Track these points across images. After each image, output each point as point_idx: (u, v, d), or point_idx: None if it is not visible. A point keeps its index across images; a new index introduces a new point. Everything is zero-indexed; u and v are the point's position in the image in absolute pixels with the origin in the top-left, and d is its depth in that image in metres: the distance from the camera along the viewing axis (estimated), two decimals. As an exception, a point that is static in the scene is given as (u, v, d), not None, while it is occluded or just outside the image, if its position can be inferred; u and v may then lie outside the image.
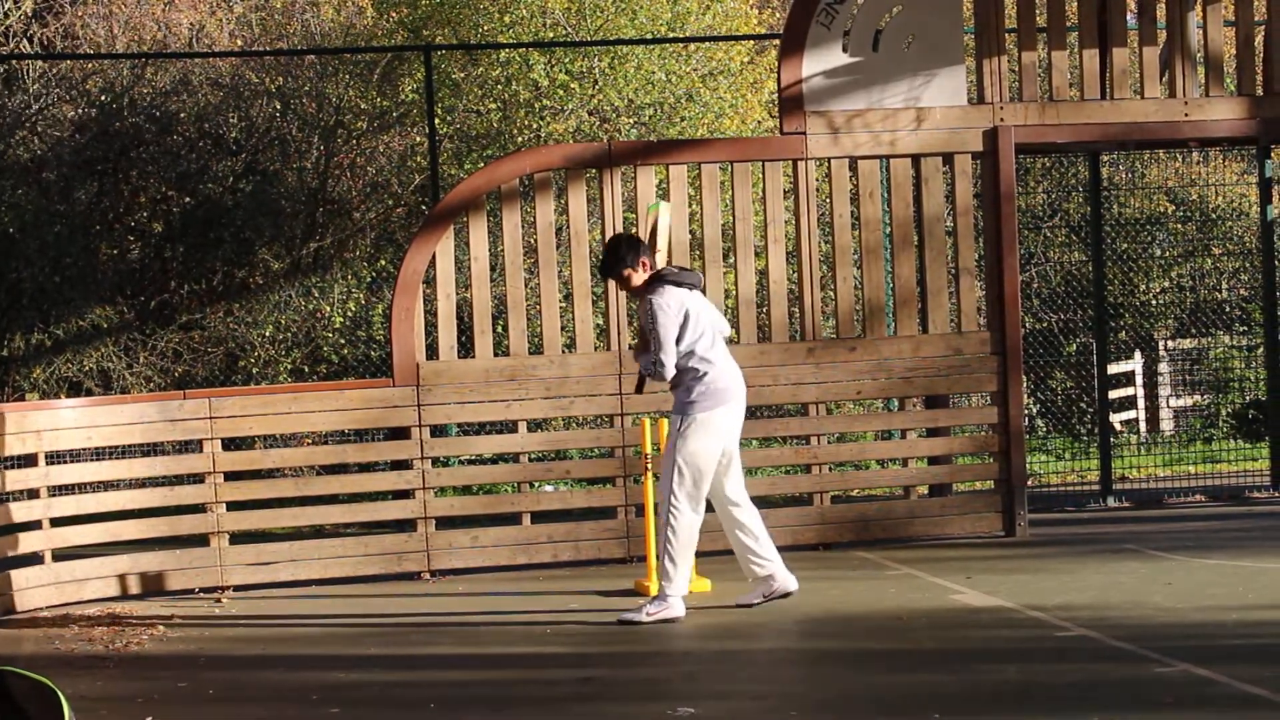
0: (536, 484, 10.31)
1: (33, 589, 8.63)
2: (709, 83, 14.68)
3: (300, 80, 14.96)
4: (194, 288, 14.01)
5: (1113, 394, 14.17)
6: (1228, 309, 15.28)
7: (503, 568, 9.40)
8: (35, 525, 8.69)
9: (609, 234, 9.50)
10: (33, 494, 8.71)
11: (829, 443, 10.04)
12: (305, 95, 14.91)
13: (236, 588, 9.10)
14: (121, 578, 8.94)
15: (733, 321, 12.12)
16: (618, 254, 7.78)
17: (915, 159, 9.94)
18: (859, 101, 9.79)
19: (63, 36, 16.48)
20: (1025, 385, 12.76)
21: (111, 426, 8.92)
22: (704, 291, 8.04)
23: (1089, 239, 12.39)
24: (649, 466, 8.40)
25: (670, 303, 7.62)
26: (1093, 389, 14.06)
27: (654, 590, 7.84)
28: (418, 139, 14.75)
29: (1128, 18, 10.55)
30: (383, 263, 14.29)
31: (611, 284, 9.32)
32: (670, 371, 7.62)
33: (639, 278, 7.76)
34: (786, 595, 7.81)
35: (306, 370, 13.79)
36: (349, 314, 13.83)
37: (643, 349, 7.77)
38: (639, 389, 8.17)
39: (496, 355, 9.57)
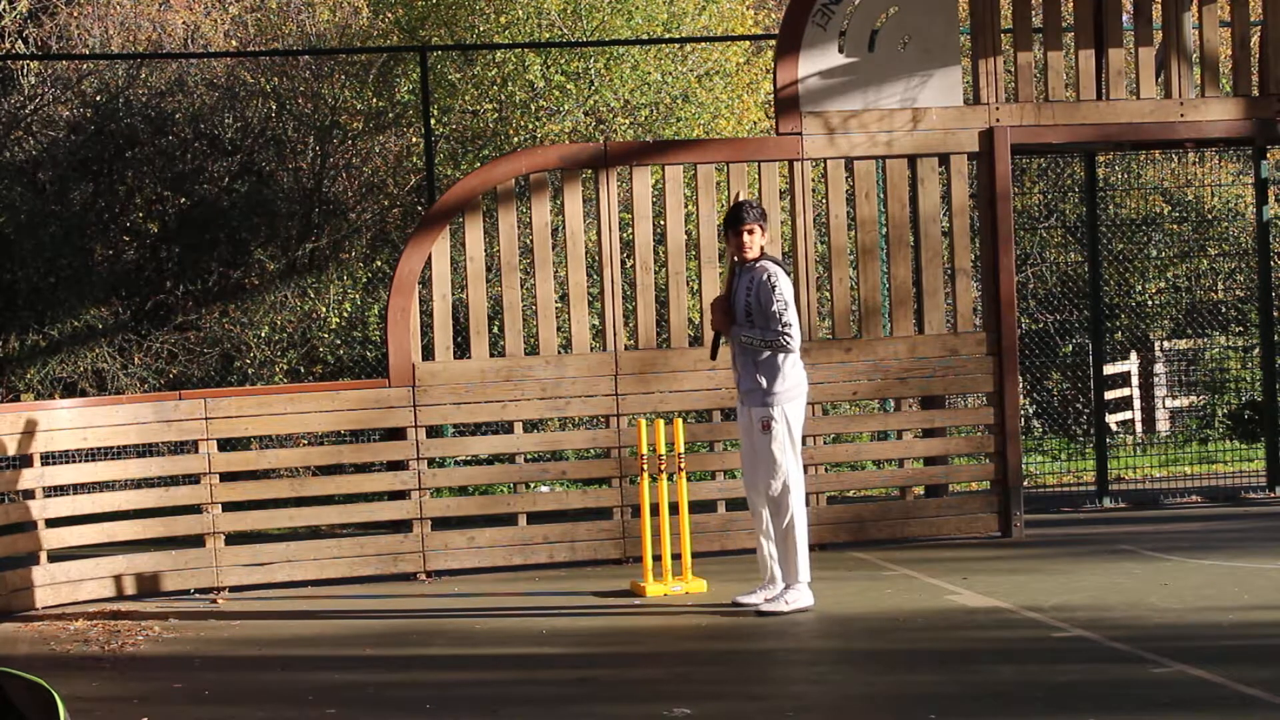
0: (532, 485, 10.31)
1: (28, 590, 8.62)
2: (705, 83, 14.68)
3: (296, 81, 14.95)
4: (189, 288, 14.00)
5: (1109, 395, 14.18)
6: (1223, 309, 15.28)
7: (499, 568, 9.40)
8: (31, 526, 8.69)
9: (605, 235, 9.50)
10: (28, 494, 8.70)
11: (825, 443, 10.04)
12: (301, 96, 14.90)
13: (232, 588, 9.09)
14: (117, 578, 8.93)
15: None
16: (750, 208, 7.82)
17: (911, 159, 9.93)
18: (855, 102, 9.79)
19: (58, 37, 16.47)
20: (1021, 386, 12.76)
21: (107, 427, 8.91)
22: None
23: (1085, 239, 12.39)
24: (645, 467, 8.40)
25: (788, 278, 7.81)
26: (1089, 390, 14.07)
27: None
28: (414, 139, 14.74)
29: (1123, 18, 10.55)
30: (378, 263, 14.28)
31: (598, 281, 9.31)
32: (798, 341, 7.70)
33: (760, 241, 7.83)
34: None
35: (302, 371, 13.78)
36: (345, 315, 13.82)
37: (727, 320, 7.81)
38: (715, 353, 8.15)
39: (492, 356, 9.56)
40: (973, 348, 9.92)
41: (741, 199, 8.00)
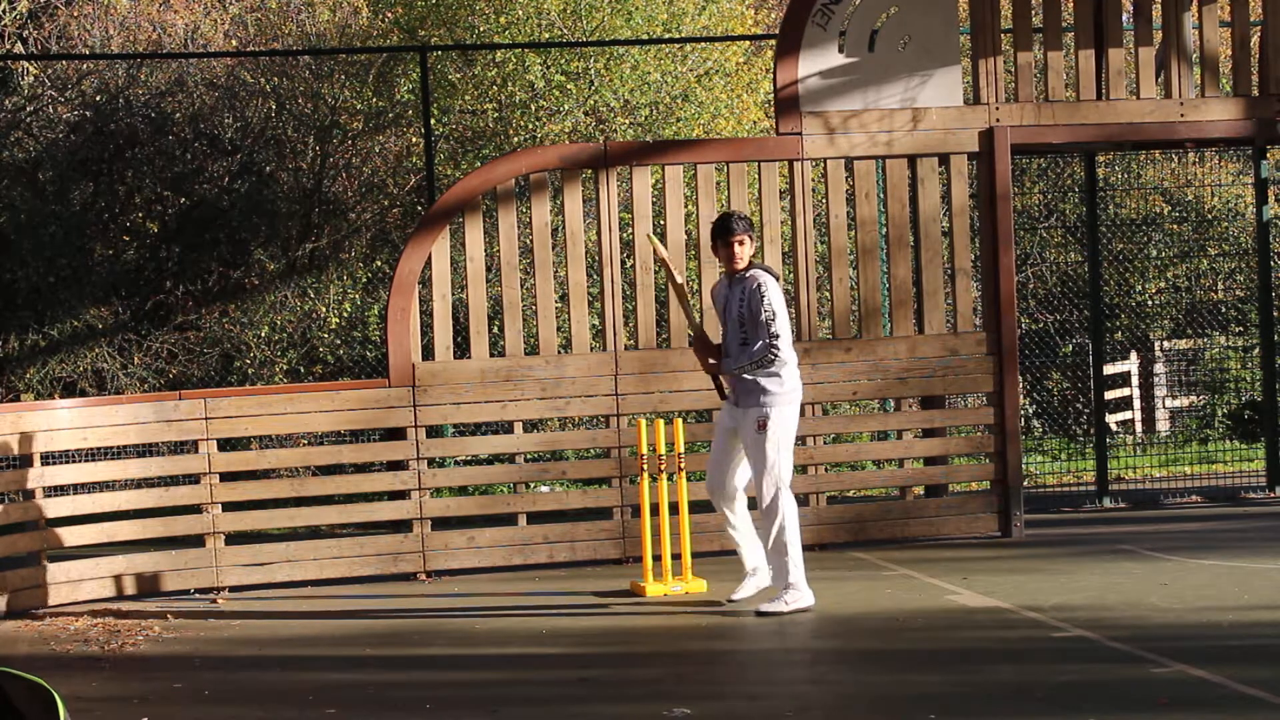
0: (532, 485, 10.30)
1: (28, 590, 8.62)
2: (705, 83, 14.68)
3: (296, 80, 14.95)
4: (189, 288, 14.00)
5: (1109, 394, 14.18)
6: (1223, 309, 15.28)
7: (499, 568, 9.40)
8: (31, 526, 8.68)
9: (605, 234, 9.50)
10: (28, 495, 8.70)
11: (825, 443, 10.05)
12: (301, 95, 14.90)
13: (232, 588, 9.09)
14: (117, 578, 8.93)
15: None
16: (738, 219, 7.81)
17: (911, 159, 9.93)
18: (855, 102, 9.79)
19: (58, 37, 16.47)
20: (1021, 386, 12.76)
21: (107, 427, 8.91)
22: None
23: (1085, 239, 12.39)
24: (645, 467, 8.40)
25: (777, 285, 7.79)
26: (1089, 389, 14.06)
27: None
28: (414, 139, 14.74)
29: (1123, 18, 10.54)
30: (378, 263, 14.28)
31: (605, 281, 9.32)
32: (788, 353, 7.69)
33: (748, 251, 7.83)
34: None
35: (302, 371, 13.78)
36: (345, 315, 13.82)
37: (708, 358, 7.86)
38: (723, 392, 8.05)
39: (492, 356, 9.56)
40: (973, 348, 9.92)
41: (723, 214, 8.00)
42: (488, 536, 9.43)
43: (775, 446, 7.70)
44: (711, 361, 7.90)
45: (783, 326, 7.65)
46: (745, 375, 7.71)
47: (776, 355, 7.63)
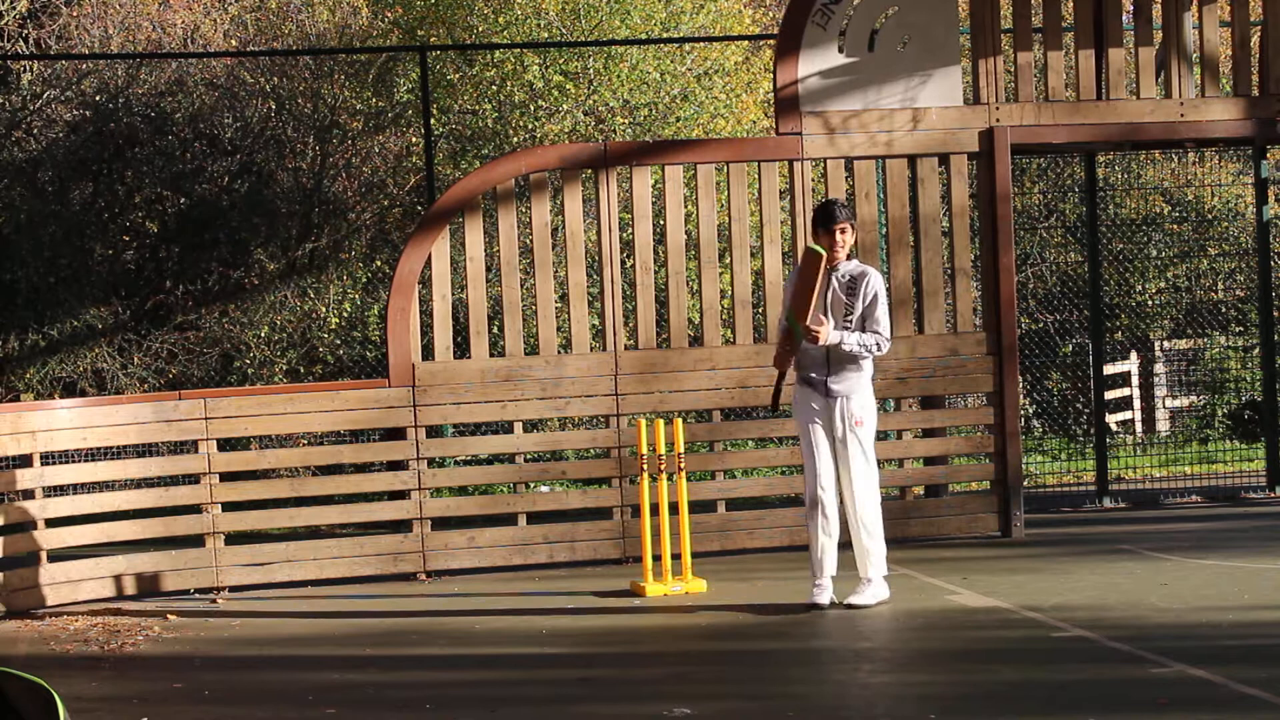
0: (532, 485, 10.30)
1: (28, 590, 8.62)
2: (704, 82, 14.68)
3: (295, 80, 14.94)
4: (189, 288, 14.00)
5: (1109, 394, 14.18)
6: (1223, 309, 15.28)
7: (499, 568, 9.40)
8: (31, 526, 8.68)
9: (605, 235, 9.49)
10: (28, 494, 8.70)
11: (825, 443, 10.03)
12: (300, 95, 14.90)
13: (232, 588, 9.09)
14: (117, 578, 8.93)
15: (728, 322, 12.12)
16: (840, 207, 7.70)
17: (911, 159, 9.93)
18: (855, 102, 9.79)
19: (57, 37, 16.46)
20: (1021, 386, 12.76)
21: (107, 427, 8.91)
22: None
23: (1085, 239, 12.39)
24: (645, 467, 8.40)
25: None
26: (1089, 389, 14.06)
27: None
28: (413, 139, 14.74)
29: (1123, 18, 10.54)
30: (378, 263, 14.28)
31: (608, 278, 9.33)
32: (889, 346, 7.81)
33: (851, 239, 7.75)
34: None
35: (302, 371, 13.78)
36: (344, 315, 13.82)
37: (789, 333, 7.72)
38: (777, 404, 7.99)
39: (492, 356, 9.56)
40: (973, 348, 9.92)
41: (829, 200, 7.87)
42: (488, 536, 9.43)
43: (871, 440, 7.79)
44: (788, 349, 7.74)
45: (889, 320, 7.72)
46: (845, 349, 7.62)
47: (883, 346, 7.72)
